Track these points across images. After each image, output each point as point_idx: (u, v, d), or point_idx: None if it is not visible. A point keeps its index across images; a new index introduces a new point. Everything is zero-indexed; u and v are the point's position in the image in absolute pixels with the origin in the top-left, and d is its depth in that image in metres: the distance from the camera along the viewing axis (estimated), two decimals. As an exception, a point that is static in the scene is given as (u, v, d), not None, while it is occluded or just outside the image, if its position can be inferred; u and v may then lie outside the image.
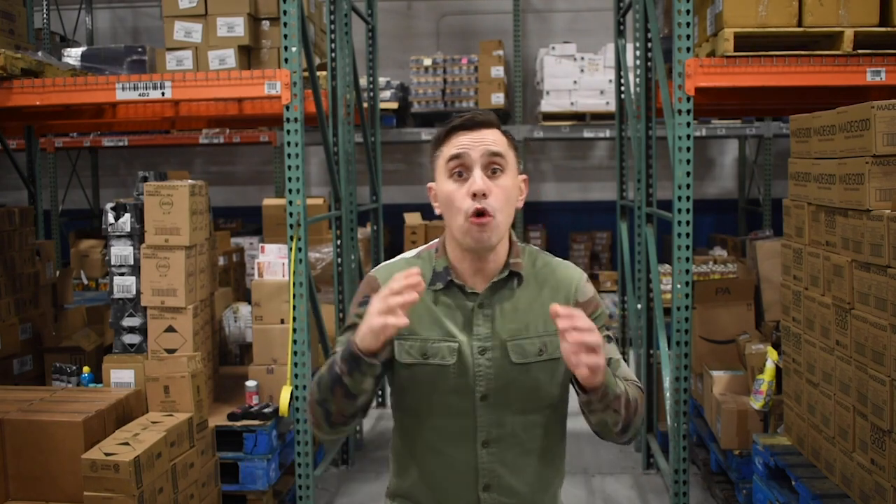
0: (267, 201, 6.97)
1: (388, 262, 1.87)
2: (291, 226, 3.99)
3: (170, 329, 4.02)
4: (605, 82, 8.26)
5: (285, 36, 3.92)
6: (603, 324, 1.80)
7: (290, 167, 3.95)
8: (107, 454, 3.08)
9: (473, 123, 1.72)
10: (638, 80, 5.17)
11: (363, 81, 6.19)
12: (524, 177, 1.80)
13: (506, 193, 1.70)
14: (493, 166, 1.70)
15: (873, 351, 2.70)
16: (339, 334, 1.81)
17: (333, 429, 1.71)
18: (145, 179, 4.17)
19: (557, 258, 1.86)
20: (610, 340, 1.81)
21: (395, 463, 1.87)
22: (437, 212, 1.79)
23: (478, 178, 1.67)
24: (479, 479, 1.75)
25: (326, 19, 5.10)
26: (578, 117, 8.47)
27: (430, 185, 1.83)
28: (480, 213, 1.67)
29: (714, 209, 9.78)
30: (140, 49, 4.70)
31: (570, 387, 1.77)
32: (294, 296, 4.01)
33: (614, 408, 1.65)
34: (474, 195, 1.67)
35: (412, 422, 1.79)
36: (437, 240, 1.86)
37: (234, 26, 4.31)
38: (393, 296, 1.52)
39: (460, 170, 1.70)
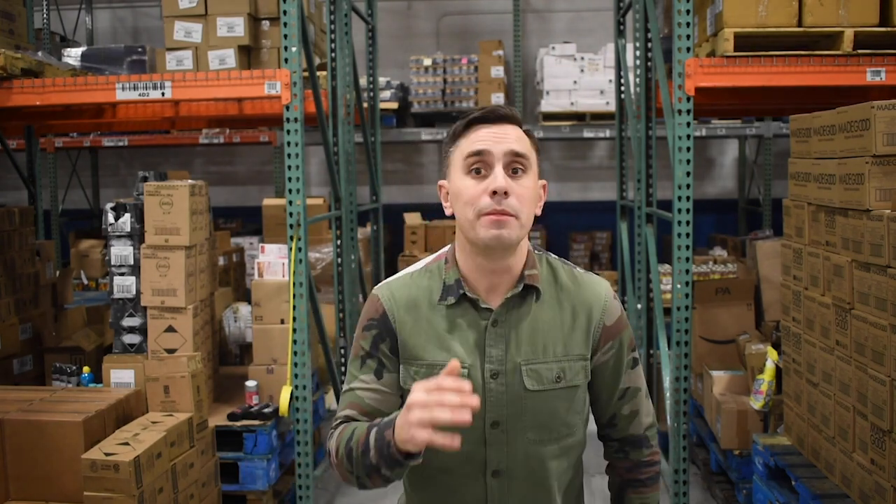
0: (267, 201, 6.98)
1: (391, 278, 1.71)
2: (291, 226, 3.99)
3: (170, 329, 4.02)
4: (605, 82, 8.26)
5: (285, 36, 3.92)
6: (628, 346, 1.69)
7: (290, 167, 3.95)
8: (107, 454, 3.08)
9: (496, 116, 1.57)
10: (638, 80, 5.17)
11: (363, 81, 6.19)
12: (543, 182, 1.66)
13: (527, 194, 1.55)
14: (515, 165, 1.55)
15: (873, 351, 2.70)
16: (350, 364, 1.69)
17: (364, 490, 1.60)
18: (145, 179, 4.17)
19: (580, 269, 1.71)
20: (635, 364, 1.71)
21: (404, 482, 1.76)
22: (447, 212, 1.64)
23: (499, 176, 1.52)
24: None
25: (326, 19, 5.10)
26: (578, 117, 8.47)
27: (441, 182, 1.65)
28: (499, 213, 1.53)
29: (714, 209, 9.77)
30: (140, 49, 4.70)
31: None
32: (294, 296, 4.01)
33: None
34: (494, 193, 1.51)
35: None
36: (446, 248, 1.71)
37: (234, 26, 4.31)
38: (440, 408, 1.32)
39: (479, 166, 1.54)
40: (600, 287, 1.68)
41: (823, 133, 3.09)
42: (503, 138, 1.55)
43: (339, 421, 1.64)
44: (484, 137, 1.55)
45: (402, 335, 1.64)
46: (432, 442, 1.33)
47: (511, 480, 1.63)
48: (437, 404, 1.32)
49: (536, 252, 1.67)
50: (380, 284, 1.71)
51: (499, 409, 1.60)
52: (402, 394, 1.65)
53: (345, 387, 1.69)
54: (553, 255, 1.71)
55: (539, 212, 1.62)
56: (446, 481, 1.64)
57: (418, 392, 1.36)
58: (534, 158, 1.59)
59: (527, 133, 1.60)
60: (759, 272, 4.86)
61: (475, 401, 1.33)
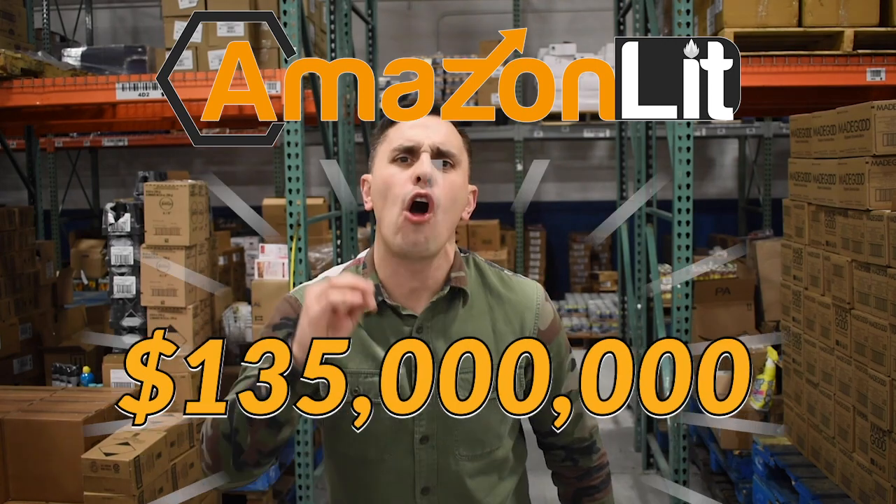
0: (267, 201, 6.96)
1: (309, 282, 1.55)
2: (291, 226, 3.99)
3: (170, 329, 4.01)
4: (606, 82, 8.25)
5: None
6: (566, 348, 1.61)
7: (290, 167, 3.95)
8: (107, 454, 3.09)
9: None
10: (638, 80, 5.16)
11: (363, 81, 6.18)
12: (473, 188, 1.56)
13: (454, 190, 1.46)
14: (444, 159, 1.47)
15: (873, 351, 2.70)
16: (241, 374, 1.49)
17: (240, 471, 1.39)
18: (145, 179, 4.17)
19: (509, 271, 1.61)
20: (574, 366, 1.60)
21: (329, 496, 1.64)
22: (367, 206, 1.54)
23: (426, 162, 1.44)
24: None
25: (326, 19, 5.10)
26: (578, 117, 8.47)
27: (364, 176, 1.56)
28: (420, 207, 1.41)
29: (714, 209, 9.77)
30: (140, 49, 4.70)
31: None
32: (294, 296, 4.00)
33: None
34: (418, 179, 1.42)
35: (341, 460, 1.56)
36: (364, 252, 1.60)
37: (234, 26, 4.31)
38: (334, 290, 1.27)
39: (406, 156, 1.46)
40: (532, 289, 1.58)
41: (823, 133, 3.09)
42: (433, 131, 1.48)
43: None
44: (413, 127, 1.48)
45: None
46: (326, 311, 1.26)
47: (442, 498, 1.53)
48: (326, 292, 1.27)
49: (462, 254, 1.57)
50: (297, 288, 1.58)
51: (429, 422, 1.49)
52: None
53: (235, 384, 1.48)
54: (480, 257, 1.61)
55: (467, 216, 1.53)
56: (371, 498, 1.54)
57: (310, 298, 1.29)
58: (465, 159, 1.52)
59: (460, 132, 1.54)
60: (759, 272, 4.86)
61: (368, 289, 1.28)
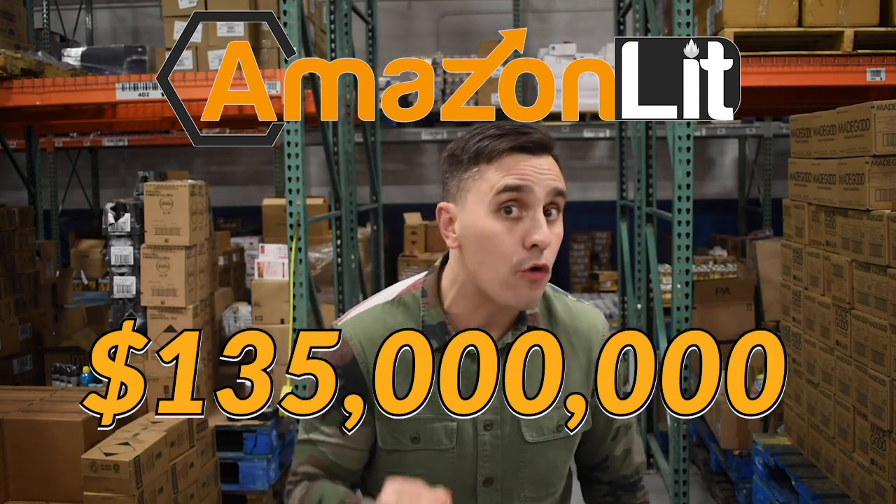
0: (267, 201, 6.97)
1: (357, 312, 1.45)
2: (291, 226, 3.99)
3: (170, 329, 4.01)
4: (605, 82, 8.25)
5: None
6: (623, 380, 1.49)
7: (290, 167, 3.95)
8: (107, 454, 3.08)
9: (538, 146, 1.33)
10: (638, 80, 5.16)
11: (363, 81, 6.18)
12: None
13: (559, 241, 1.34)
14: (551, 207, 1.32)
15: (873, 351, 2.70)
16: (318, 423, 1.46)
17: None
18: (145, 179, 4.17)
19: (572, 298, 1.53)
20: (626, 398, 1.52)
21: None
22: (450, 244, 1.37)
23: (543, 226, 1.29)
24: None
25: (326, 19, 5.10)
26: (578, 117, 8.47)
27: (443, 205, 1.38)
28: (535, 267, 1.30)
29: (714, 209, 9.77)
30: (140, 49, 4.70)
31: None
32: (294, 296, 4.01)
33: None
34: (534, 246, 1.29)
35: None
36: (420, 276, 1.47)
37: (234, 26, 4.31)
38: None
39: (513, 205, 1.30)
40: (596, 319, 1.51)
41: (823, 133, 3.09)
42: (546, 173, 1.32)
43: (298, 478, 1.47)
44: (524, 170, 1.30)
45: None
46: None
47: None
48: None
49: None
50: (345, 319, 1.44)
51: (493, 464, 1.41)
52: (376, 450, 1.45)
53: (302, 434, 1.47)
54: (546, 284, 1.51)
55: None
56: None
57: (390, 493, 1.23)
58: None
59: (558, 162, 1.39)
60: (759, 272, 4.87)
61: None
